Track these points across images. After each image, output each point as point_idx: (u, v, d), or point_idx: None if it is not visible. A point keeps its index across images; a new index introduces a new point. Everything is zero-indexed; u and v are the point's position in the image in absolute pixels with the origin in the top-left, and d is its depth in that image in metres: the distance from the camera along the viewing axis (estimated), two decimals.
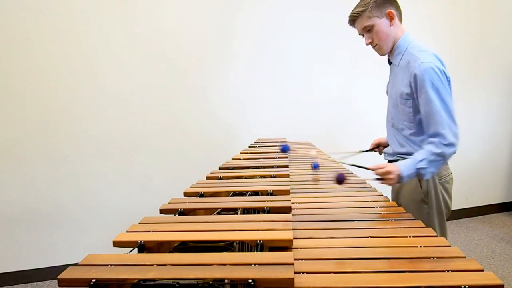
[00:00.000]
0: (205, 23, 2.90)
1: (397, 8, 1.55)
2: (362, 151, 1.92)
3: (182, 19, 2.85)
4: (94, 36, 2.67)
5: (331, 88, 3.26)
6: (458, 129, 1.42)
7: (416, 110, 1.50)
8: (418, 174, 1.39)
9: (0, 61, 2.52)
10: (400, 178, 1.36)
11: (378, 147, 1.92)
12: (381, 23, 1.51)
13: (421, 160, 1.39)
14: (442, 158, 1.41)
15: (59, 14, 2.58)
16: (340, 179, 1.35)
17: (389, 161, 1.68)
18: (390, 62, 1.65)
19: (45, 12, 2.55)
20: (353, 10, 1.56)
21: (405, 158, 1.58)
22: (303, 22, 3.12)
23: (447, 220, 1.61)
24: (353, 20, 1.57)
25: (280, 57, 3.11)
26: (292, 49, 3.13)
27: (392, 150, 1.65)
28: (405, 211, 1.24)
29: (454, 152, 1.42)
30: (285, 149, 1.71)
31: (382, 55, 1.61)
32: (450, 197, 1.59)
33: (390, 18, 1.51)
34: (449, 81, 1.46)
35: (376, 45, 1.56)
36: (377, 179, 1.37)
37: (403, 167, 1.38)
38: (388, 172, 1.34)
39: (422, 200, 1.55)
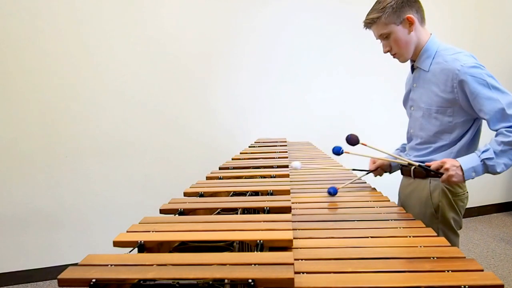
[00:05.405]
0: (208, 25, 2.90)
1: (418, 10, 1.39)
2: (354, 170, 1.66)
3: (185, 21, 2.85)
4: (96, 35, 2.67)
5: (332, 89, 3.26)
6: None
7: (457, 116, 1.36)
8: (487, 167, 1.26)
9: (1, 61, 2.52)
10: (462, 172, 1.25)
11: (377, 169, 1.66)
12: (399, 30, 1.36)
13: (485, 151, 1.26)
14: None
15: (60, 13, 2.58)
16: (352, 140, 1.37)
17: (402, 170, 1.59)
18: (413, 68, 1.50)
19: (46, 12, 2.55)
20: (368, 15, 1.40)
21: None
22: (304, 25, 3.12)
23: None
24: (368, 26, 1.42)
25: (280, 58, 3.11)
26: (293, 50, 3.13)
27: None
28: (405, 211, 1.24)
29: None
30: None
31: (403, 62, 1.47)
32: (460, 215, 1.47)
33: (410, 23, 1.36)
34: None
35: (395, 53, 1.42)
36: (434, 174, 1.28)
37: (463, 159, 1.27)
38: (444, 163, 1.26)
39: (432, 214, 1.44)
